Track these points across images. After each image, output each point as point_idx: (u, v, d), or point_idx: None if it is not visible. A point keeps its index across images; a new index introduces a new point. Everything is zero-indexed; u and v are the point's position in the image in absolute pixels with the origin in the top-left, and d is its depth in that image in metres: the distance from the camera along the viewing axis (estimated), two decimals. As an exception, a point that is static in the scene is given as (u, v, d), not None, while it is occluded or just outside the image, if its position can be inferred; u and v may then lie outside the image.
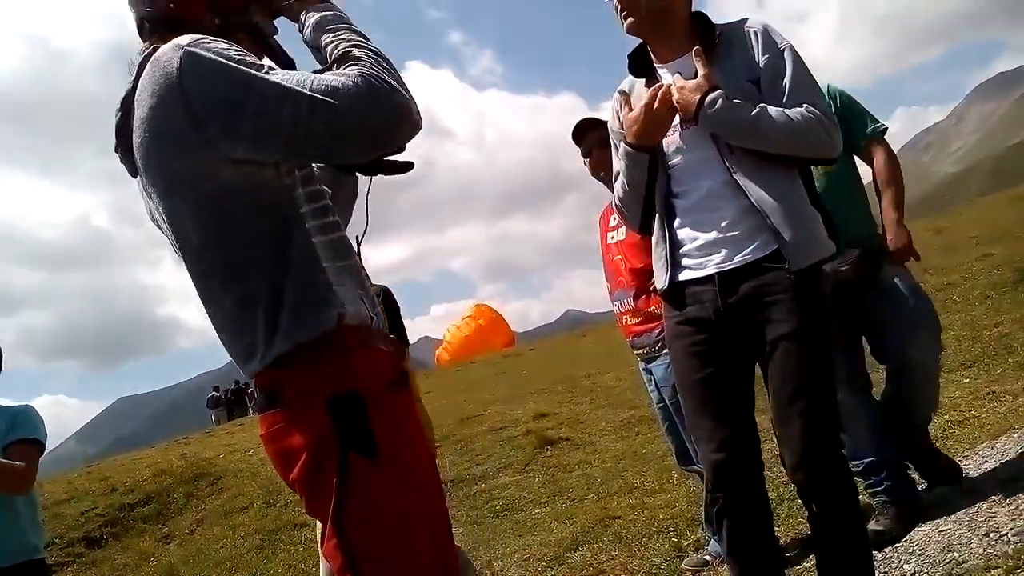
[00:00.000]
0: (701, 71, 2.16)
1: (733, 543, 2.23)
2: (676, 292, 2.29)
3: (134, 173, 1.55)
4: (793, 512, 3.49)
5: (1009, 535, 2.68)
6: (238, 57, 1.39)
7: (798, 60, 2.18)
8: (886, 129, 3.20)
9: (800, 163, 2.20)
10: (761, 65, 2.18)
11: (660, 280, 2.33)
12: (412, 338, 1.83)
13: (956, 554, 2.70)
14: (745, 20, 2.29)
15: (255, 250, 1.43)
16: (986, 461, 3.46)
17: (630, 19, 2.25)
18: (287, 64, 1.61)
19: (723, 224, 2.18)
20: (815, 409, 2.09)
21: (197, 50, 1.38)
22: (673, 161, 2.29)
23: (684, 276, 2.25)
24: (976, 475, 3.31)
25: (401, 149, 1.55)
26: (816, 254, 2.14)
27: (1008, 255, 8.70)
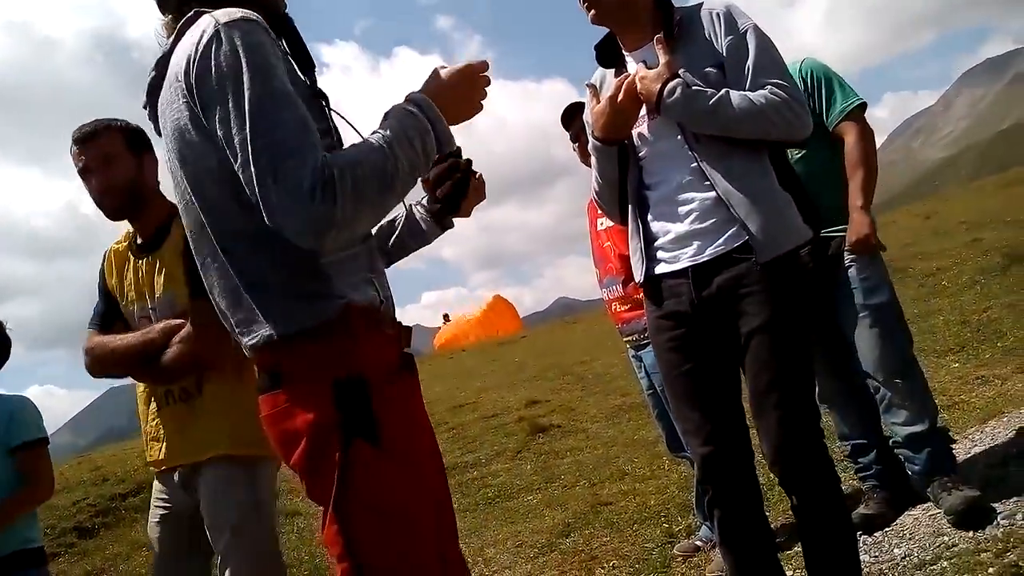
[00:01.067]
0: (662, 59, 2.13)
1: (725, 533, 2.23)
2: (653, 285, 2.27)
3: (160, 133, 1.54)
4: (784, 497, 3.50)
5: (999, 519, 2.69)
6: (263, 59, 1.34)
7: (762, 39, 2.14)
8: (862, 105, 3.00)
9: (769, 146, 2.15)
10: (724, 48, 2.14)
11: (637, 273, 2.32)
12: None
13: (946, 538, 2.72)
14: (705, 3, 2.24)
15: (256, 229, 1.37)
16: (975, 445, 3.47)
17: (592, 11, 2.24)
18: (303, 55, 1.54)
19: (693, 217, 2.15)
20: (790, 401, 2.08)
21: (230, 32, 1.34)
22: (642, 152, 2.27)
23: (660, 269, 2.24)
24: (966, 459, 3.33)
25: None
26: (786, 243, 2.10)
27: (997, 240, 8.74)
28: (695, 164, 2.14)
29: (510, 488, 5.47)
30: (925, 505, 2.97)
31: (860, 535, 2.99)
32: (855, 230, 2.89)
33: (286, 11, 1.61)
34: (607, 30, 2.35)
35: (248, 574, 2.25)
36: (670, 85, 2.08)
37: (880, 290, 2.95)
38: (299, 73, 1.50)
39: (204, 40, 1.35)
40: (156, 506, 2.45)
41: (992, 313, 6.01)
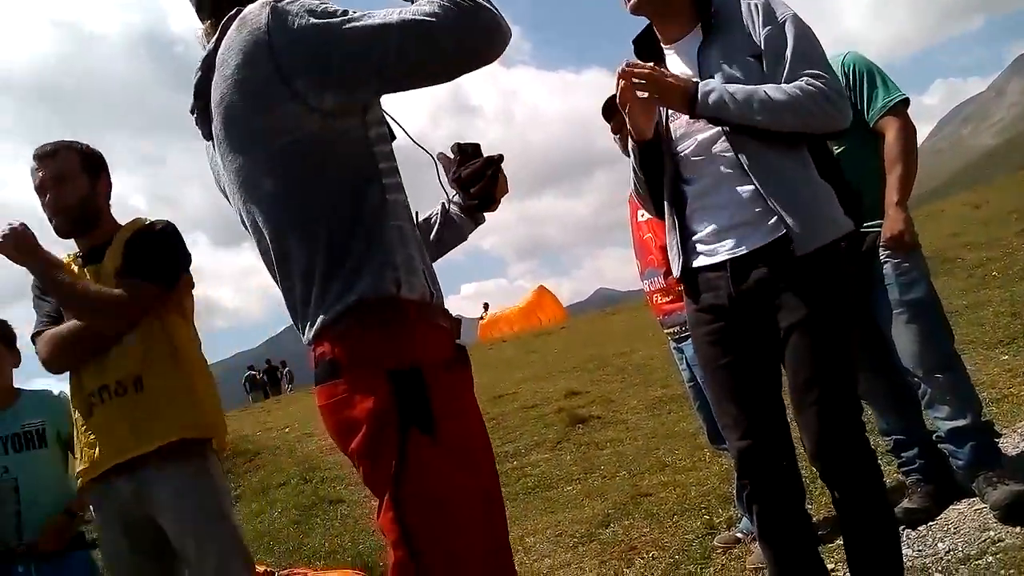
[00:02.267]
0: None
1: (764, 527, 2.23)
2: (690, 279, 2.27)
3: (208, 135, 1.58)
4: (827, 490, 3.47)
5: (1047, 514, 2.65)
6: (322, 9, 1.42)
7: (800, 30, 2.11)
8: (905, 100, 2.94)
9: (809, 138, 2.13)
10: (762, 38, 2.12)
11: (674, 267, 2.32)
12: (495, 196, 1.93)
13: (992, 533, 2.68)
14: None
15: (328, 201, 1.45)
16: (1024, 439, 3.41)
17: (630, 1, 2.23)
18: None
19: (731, 210, 2.14)
20: (831, 395, 2.07)
21: (283, 5, 1.41)
22: (679, 146, 2.25)
23: (698, 263, 2.23)
24: (1015, 453, 3.27)
25: (488, 62, 1.53)
26: (826, 235, 2.07)
27: (1050, 230, 8.51)
28: (732, 157, 2.13)
29: (550, 478, 5.50)
30: (970, 500, 2.93)
31: (903, 529, 2.96)
32: (890, 227, 2.85)
33: None
34: (647, 22, 2.34)
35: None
36: (703, 89, 2.06)
37: (917, 285, 2.90)
38: None
39: (265, 17, 1.41)
40: (106, 520, 2.45)
41: (1044, 305, 5.87)
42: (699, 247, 2.23)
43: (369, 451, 1.42)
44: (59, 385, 2.80)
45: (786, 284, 2.08)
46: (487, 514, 1.50)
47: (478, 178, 1.94)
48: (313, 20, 1.40)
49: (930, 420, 3.02)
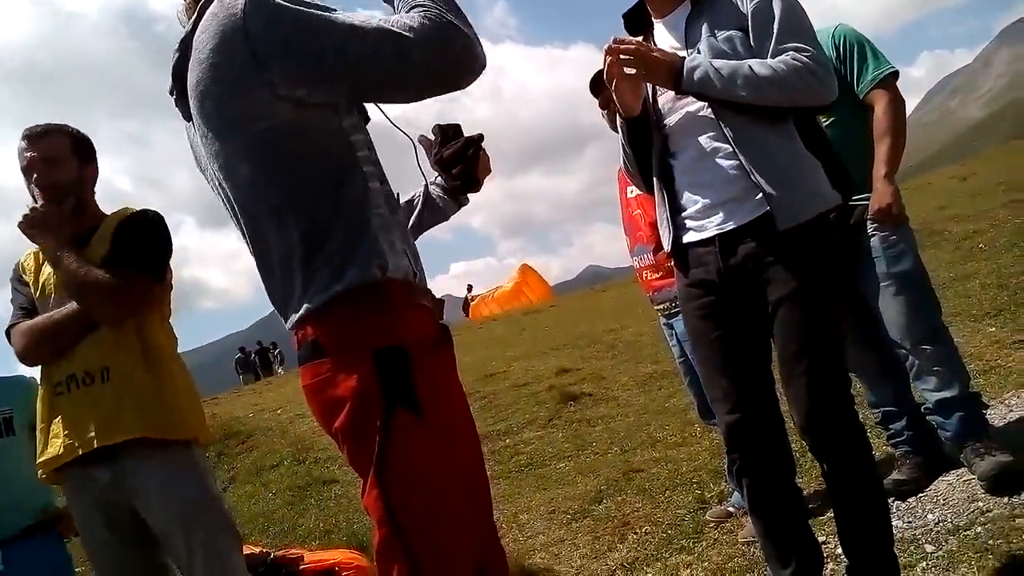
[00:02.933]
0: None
1: (754, 500, 2.25)
2: (680, 254, 2.28)
3: (188, 116, 1.57)
4: (817, 464, 3.50)
5: (1034, 483, 2.68)
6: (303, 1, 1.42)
7: (788, 3, 2.11)
8: (895, 73, 2.94)
9: (795, 112, 2.12)
10: (749, 13, 2.12)
11: (665, 242, 2.32)
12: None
13: (981, 503, 2.71)
14: None
15: (308, 190, 1.45)
16: (1011, 410, 3.44)
17: None
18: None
19: (717, 186, 2.15)
20: (819, 368, 2.08)
21: None
22: (667, 120, 2.25)
23: (687, 238, 2.24)
24: (1002, 424, 3.30)
25: (458, 86, 1.53)
26: (811, 209, 2.08)
27: (1037, 201, 8.55)
28: (718, 132, 2.13)
29: (542, 455, 5.52)
30: (959, 471, 2.95)
31: (893, 501, 2.99)
32: (878, 200, 2.86)
33: None
34: None
35: (220, 571, 2.35)
36: (688, 65, 2.05)
37: (904, 258, 2.90)
38: None
39: (242, 1, 1.40)
40: (85, 509, 2.42)
41: (1030, 276, 5.90)
42: (688, 223, 2.23)
43: (353, 430, 1.43)
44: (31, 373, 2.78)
45: (774, 258, 2.09)
46: (471, 491, 1.51)
47: (459, 159, 1.95)
48: (291, 8, 1.39)
49: (918, 392, 3.04)
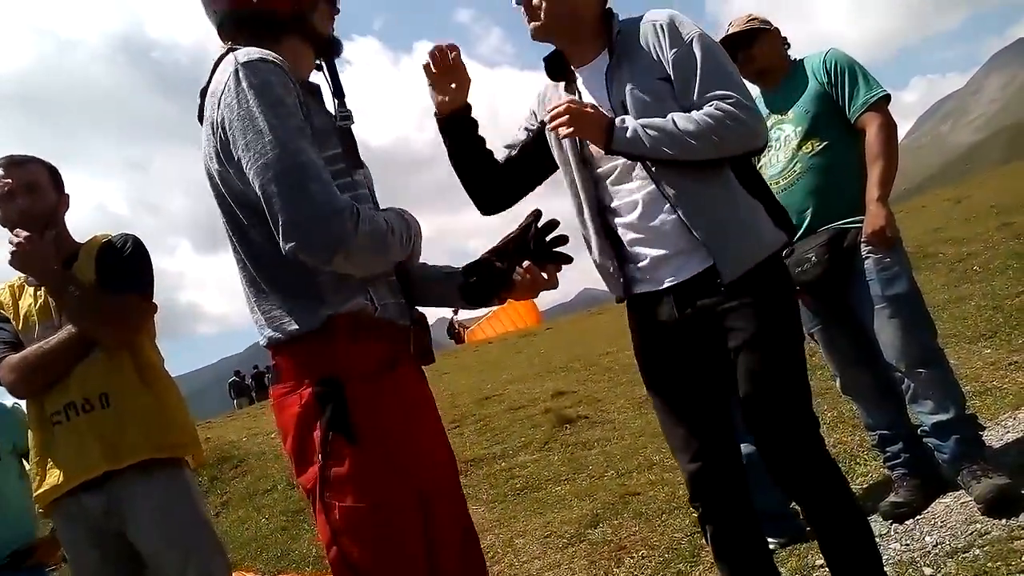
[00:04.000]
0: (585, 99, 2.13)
1: (718, 548, 2.23)
2: (634, 304, 2.26)
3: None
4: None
5: (1032, 505, 2.67)
6: (271, 99, 1.46)
7: (708, 49, 2.07)
8: (886, 97, 2.97)
9: (730, 159, 2.09)
10: (671, 61, 2.07)
11: (615, 290, 2.27)
12: (429, 320, 1.81)
13: (979, 525, 2.70)
14: (648, 14, 2.18)
15: (265, 247, 1.53)
16: (1008, 432, 3.44)
17: (532, 24, 2.17)
18: (336, 88, 1.70)
19: (662, 240, 2.11)
20: (783, 411, 2.06)
21: (245, 73, 1.47)
22: (600, 167, 2.20)
23: (640, 289, 2.21)
24: (998, 446, 3.30)
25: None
26: (755, 256, 2.06)
27: (1029, 224, 8.58)
28: (652, 186, 2.10)
29: (538, 479, 5.49)
30: (957, 493, 2.94)
31: (891, 524, 2.98)
32: (871, 223, 2.87)
33: (332, 35, 1.73)
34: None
35: None
36: (617, 126, 2.01)
37: (899, 280, 2.91)
38: (325, 104, 1.67)
39: (225, 80, 1.49)
40: (76, 539, 2.40)
41: (1025, 298, 5.91)
42: (639, 275, 2.20)
43: (298, 454, 1.53)
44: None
45: (727, 308, 2.06)
46: (423, 515, 1.55)
47: (495, 263, 1.71)
48: (253, 107, 1.45)
49: (914, 414, 3.03)
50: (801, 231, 3.06)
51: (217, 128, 1.50)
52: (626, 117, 2.05)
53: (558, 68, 2.29)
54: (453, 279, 1.78)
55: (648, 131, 2.00)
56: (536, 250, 1.71)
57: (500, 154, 2.38)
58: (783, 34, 3.22)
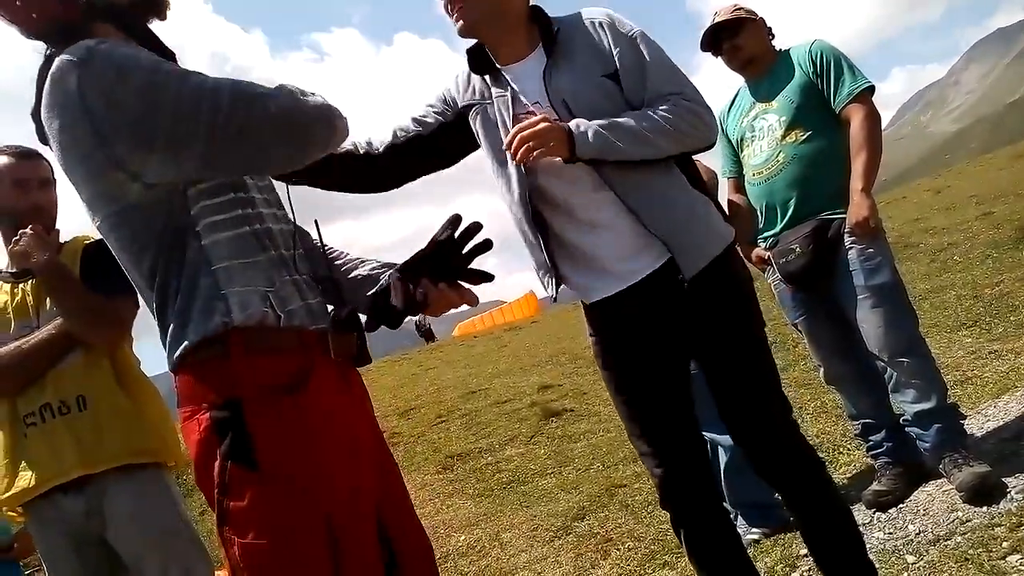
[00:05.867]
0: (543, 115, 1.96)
1: (691, 549, 2.22)
2: (590, 311, 2.18)
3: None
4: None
5: (1012, 493, 2.70)
6: (142, 62, 1.33)
7: (653, 46, 2.02)
8: (870, 88, 2.97)
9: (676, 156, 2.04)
10: (616, 59, 2.00)
11: (548, 290, 2.19)
12: (414, 316, 1.65)
13: (960, 513, 2.72)
14: (583, 12, 2.11)
15: (155, 261, 1.42)
16: (989, 420, 3.47)
17: (459, 22, 2.06)
18: (168, 57, 1.50)
19: (611, 242, 2.02)
20: (757, 402, 2.06)
21: (95, 61, 1.32)
22: (540, 173, 2.07)
23: (596, 297, 2.11)
24: (980, 434, 3.33)
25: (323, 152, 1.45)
26: (713, 249, 2.01)
27: (1008, 213, 8.66)
28: (601, 185, 2.00)
29: (524, 472, 5.50)
30: (939, 481, 2.97)
31: (874, 512, 3.00)
32: (855, 213, 2.88)
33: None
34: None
35: None
36: (576, 132, 1.91)
37: (881, 270, 2.92)
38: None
39: (74, 82, 1.32)
40: (52, 541, 2.35)
41: (1004, 287, 5.97)
42: (592, 283, 2.11)
43: (201, 481, 1.41)
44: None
45: (689, 304, 2.01)
46: (335, 540, 1.39)
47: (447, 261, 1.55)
48: (132, 75, 1.31)
49: (897, 404, 3.06)
50: (785, 220, 3.07)
51: (83, 130, 1.35)
52: (580, 121, 1.94)
53: (482, 62, 2.16)
54: (365, 287, 1.64)
55: (608, 133, 1.91)
56: (454, 265, 1.56)
57: (403, 128, 2.22)
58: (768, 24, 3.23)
